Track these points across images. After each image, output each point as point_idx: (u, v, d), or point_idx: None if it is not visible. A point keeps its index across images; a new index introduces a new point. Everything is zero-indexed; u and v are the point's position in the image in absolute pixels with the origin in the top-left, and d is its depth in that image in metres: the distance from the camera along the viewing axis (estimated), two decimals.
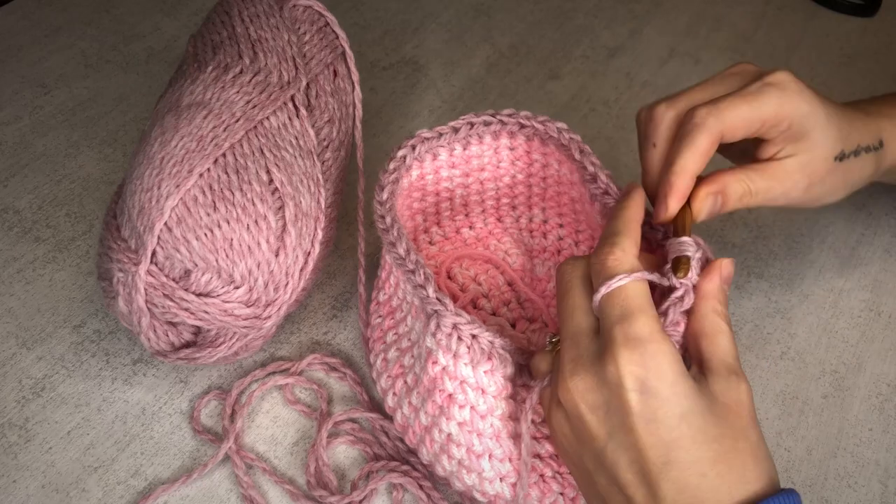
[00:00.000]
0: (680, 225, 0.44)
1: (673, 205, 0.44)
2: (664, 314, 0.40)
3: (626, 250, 0.40)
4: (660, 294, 0.42)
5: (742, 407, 0.37)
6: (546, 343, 0.42)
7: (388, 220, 0.46)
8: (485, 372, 0.41)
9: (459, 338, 0.41)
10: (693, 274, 0.40)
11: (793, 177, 0.47)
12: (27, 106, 0.72)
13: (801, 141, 0.46)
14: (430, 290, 0.42)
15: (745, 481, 0.36)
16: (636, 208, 0.42)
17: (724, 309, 0.40)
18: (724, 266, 0.41)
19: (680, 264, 0.41)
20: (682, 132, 0.44)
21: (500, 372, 0.42)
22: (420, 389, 0.45)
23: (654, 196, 0.46)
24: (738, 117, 0.44)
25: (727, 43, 0.80)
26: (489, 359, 0.41)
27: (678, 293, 0.40)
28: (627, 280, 0.38)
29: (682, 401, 0.36)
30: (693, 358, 0.40)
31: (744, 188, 0.46)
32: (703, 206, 0.45)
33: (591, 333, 0.39)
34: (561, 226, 0.55)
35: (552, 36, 0.81)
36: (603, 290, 0.38)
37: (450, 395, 0.42)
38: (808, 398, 0.53)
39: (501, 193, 0.55)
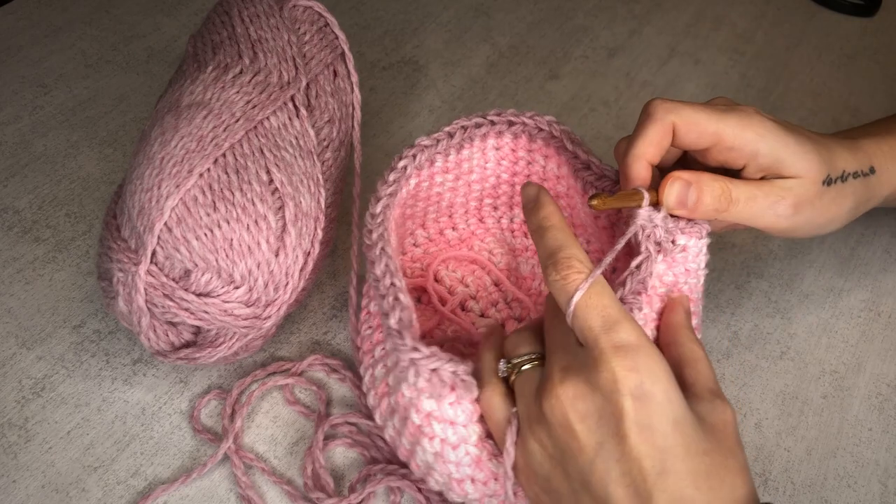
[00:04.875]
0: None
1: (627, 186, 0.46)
2: (622, 284, 0.41)
3: (583, 261, 0.39)
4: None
5: (728, 427, 0.38)
6: (500, 367, 0.41)
7: (374, 236, 0.44)
8: (450, 404, 0.39)
9: (416, 372, 0.39)
10: (657, 234, 0.42)
11: (777, 192, 0.45)
12: (27, 106, 0.72)
13: (780, 169, 0.45)
14: (393, 321, 0.40)
15: (735, 499, 0.35)
16: (556, 214, 0.42)
17: (695, 336, 0.43)
18: (684, 302, 0.44)
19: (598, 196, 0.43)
20: (638, 121, 0.46)
21: (467, 398, 0.39)
22: (400, 415, 0.43)
23: None
24: (692, 118, 0.44)
25: (727, 43, 0.80)
26: (452, 389, 0.39)
27: (634, 263, 0.41)
28: (587, 285, 0.38)
29: (675, 407, 0.36)
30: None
31: (721, 188, 0.44)
32: (671, 191, 0.44)
33: (578, 343, 0.39)
34: None
35: (552, 36, 0.81)
36: (574, 301, 0.38)
37: (419, 427, 0.41)
38: (808, 398, 0.53)
39: (485, 194, 0.55)
